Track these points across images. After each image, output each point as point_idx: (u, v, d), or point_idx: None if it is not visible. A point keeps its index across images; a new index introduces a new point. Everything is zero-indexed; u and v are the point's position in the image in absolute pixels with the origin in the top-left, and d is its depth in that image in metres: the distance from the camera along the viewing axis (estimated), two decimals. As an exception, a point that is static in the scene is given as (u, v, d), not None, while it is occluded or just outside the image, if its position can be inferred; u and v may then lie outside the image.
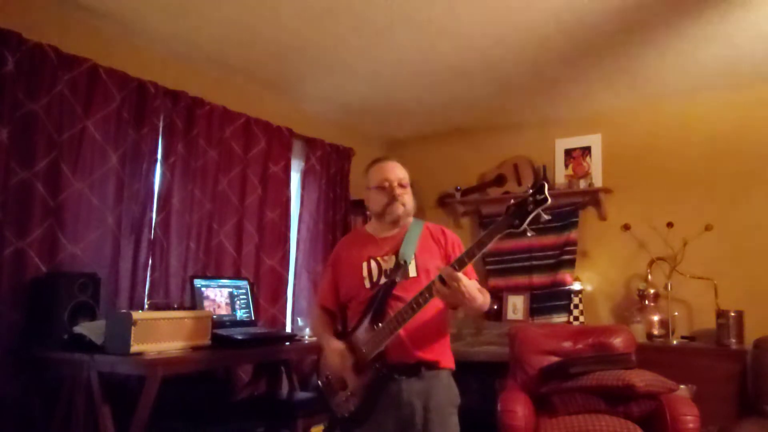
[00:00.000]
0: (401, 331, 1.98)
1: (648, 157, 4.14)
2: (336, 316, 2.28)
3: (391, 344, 2.00)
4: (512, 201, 1.84)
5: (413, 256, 2.12)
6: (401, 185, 2.17)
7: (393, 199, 2.14)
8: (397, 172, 2.18)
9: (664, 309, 3.82)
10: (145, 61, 3.21)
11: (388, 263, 2.12)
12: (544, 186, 1.80)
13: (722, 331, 3.53)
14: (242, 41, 3.25)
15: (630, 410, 2.90)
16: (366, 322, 2.06)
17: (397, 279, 2.07)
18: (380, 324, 2.01)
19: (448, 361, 2.14)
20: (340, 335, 2.19)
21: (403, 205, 2.16)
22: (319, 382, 2.22)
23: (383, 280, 2.10)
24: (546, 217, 1.83)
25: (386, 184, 2.16)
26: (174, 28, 3.09)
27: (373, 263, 2.14)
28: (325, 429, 3.16)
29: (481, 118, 4.57)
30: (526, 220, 1.82)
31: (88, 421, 2.40)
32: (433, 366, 2.07)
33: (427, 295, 1.92)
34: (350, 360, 2.05)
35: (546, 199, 1.79)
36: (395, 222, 2.18)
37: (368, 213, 2.32)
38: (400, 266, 2.09)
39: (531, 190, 1.81)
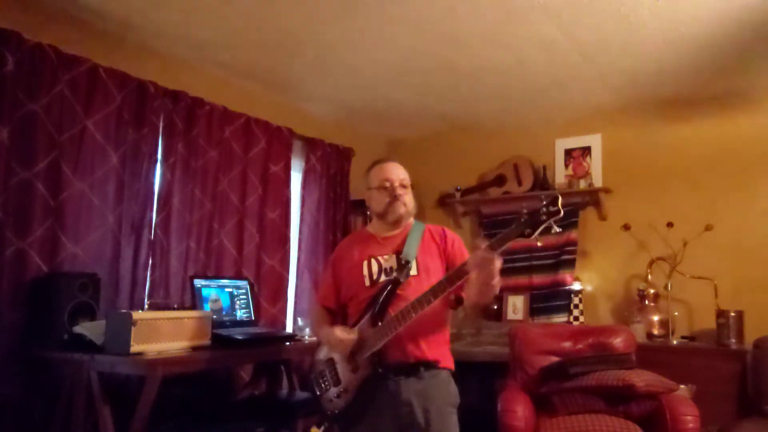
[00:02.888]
0: (401, 331, 1.98)
1: (648, 157, 4.14)
2: (336, 316, 2.29)
3: (390, 344, 2.00)
4: (524, 210, 1.84)
5: (415, 256, 2.13)
6: (402, 185, 2.19)
7: (395, 198, 2.16)
8: (398, 172, 2.21)
9: (664, 309, 3.82)
10: (145, 61, 3.21)
11: (389, 262, 2.14)
12: (557, 198, 1.81)
13: (722, 331, 3.53)
14: (242, 41, 3.25)
15: (630, 410, 2.90)
16: (366, 320, 2.06)
17: (402, 279, 2.08)
18: (380, 322, 2.02)
19: (448, 361, 2.15)
20: None
21: (405, 204, 2.18)
22: (311, 376, 2.23)
23: (383, 278, 2.12)
24: (557, 229, 1.84)
25: (387, 184, 2.18)
26: (174, 29, 3.09)
27: (373, 262, 2.16)
28: (326, 429, 3.17)
29: (481, 118, 4.57)
30: (537, 230, 1.83)
31: (88, 421, 2.40)
32: (432, 366, 2.07)
33: (436, 291, 1.93)
34: (354, 335, 2.04)
35: (559, 212, 1.80)
36: (397, 222, 2.20)
37: (368, 213, 2.34)
38: (403, 265, 2.10)
39: (545, 201, 1.82)
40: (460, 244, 2.23)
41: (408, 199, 2.20)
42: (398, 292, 2.07)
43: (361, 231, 2.42)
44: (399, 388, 2.02)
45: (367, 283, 2.14)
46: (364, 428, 2.05)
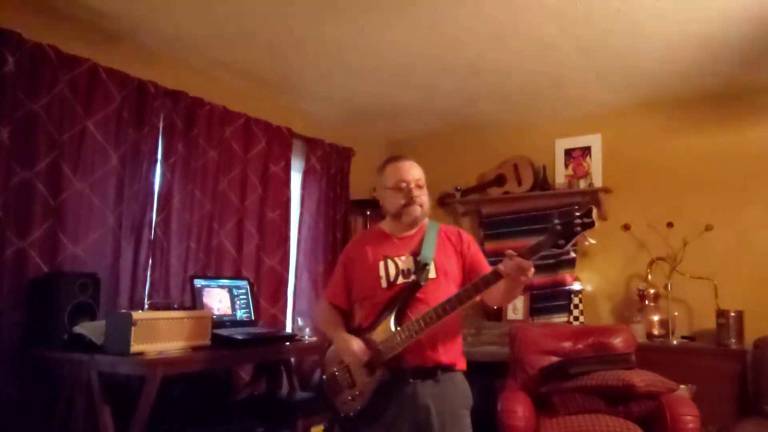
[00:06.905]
0: (422, 335, 1.96)
1: (648, 157, 4.14)
2: (345, 314, 2.25)
3: (408, 347, 1.98)
4: (556, 221, 1.84)
5: (433, 259, 2.09)
6: (418, 186, 2.14)
7: (411, 200, 2.11)
8: (413, 172, 2.15)
9: (664, 309, 3.82)
10: (145, 61, 3.21)
11: (406, 264, 2.10)
12: (592, 209, 1.82)
13: (722, 331, 3.53)
14: (242, 41, 3.25)
15: (630, 410, 2.90)
16: (384, 323, 2.03)
17: (422, 282, 2.04)
18: (399, 326, 1.99)
19: (462, 363, 2.13)
20: (350, 333, 2.15)
21: (421, 206, 2.13)
22: (324, 377, 2.17)
23: (401, 280, 2.08)
24: (591, 241, 1.84)
25: (403, 185, 2.12)
26: (174, 28, 3.09)
27: (390, 263, 2.11)
28: (326, 429, 3.17)
29: (481, 118, 4.57)
30: (571, 241, 1.82)
31: (88, 421, 2.40)
32: (449, 369, 2.06)
33: (462, 298, 1.93)
34: (369, 355, 2.01)
35: (593, 223, 1.81)
36: (413, 223, 2.16)
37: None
38: (421, 268, 2.06)
39: (578, 213, 1.82)
40: (476, 246, 2.21)
41: (424, 199, 2.15)
42: (418, 295, 2.04)
43: (374, 229, 2.33)
44: (416, 392, 2.00)
45: (384, 284, 2.09)
46: (380, 430, 2.02)
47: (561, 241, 1.82)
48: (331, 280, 2.34)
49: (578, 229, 1.81)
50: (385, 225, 2.25)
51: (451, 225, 2.30)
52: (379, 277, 2.10)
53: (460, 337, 2.16)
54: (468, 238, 2.22)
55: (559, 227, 1.82)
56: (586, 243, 1.84)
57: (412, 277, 2.07)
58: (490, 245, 4.51)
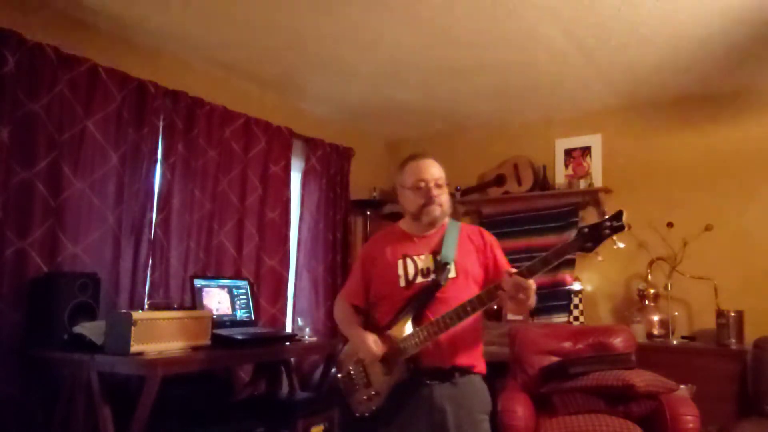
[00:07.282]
0: (440, 336, 1.94)
1: (648, 157, 4.14)
2: (363, 314, 2.22)
3: (427, 348, 1.95)
4: (584, 224, 1.82)
5: (454, 258, 2.06)
6: (438, 185, 2.10)
7: (430, 200, 2.08)
8: (433, 171, 2.11)
9: (664, 309, 3.82)
10: (145, 61, 3.21)
11: (425, 263, 2.07)
12: (621, 213, 1.79)
13: (722, 331, 3.53)
14: (242, 41, 3.25)
15: (630, 410, 2.90)
16: (402, 322, 2.00)
17: (442, 282, 2.01)
18: (418, 326, 1.96)
19: (481, 366, 2.09)
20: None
21: (440, 206, 2.10)
22: (339, 376, 2.13)
23: (420, 279, 2.05)
24: (621, 245, 1.81)
25: (422, 184, 2.09)
26: (174, 28, 3.09)
27: (408, 262, 2.08)
28: (326, 429, 3.16)
29: (481, 118, 4.57)
30: (599, 244, 1.81)
31: (88, 421, 2.41)
32: (467, 371, 2.02)
33: (475, 305, 1.90)
34: (384, 350, 1.99)
35: (623, 227, 1.78)
36: (432, 223, 2.12)
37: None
38: (441, 267, 2.03)
39: (608, 216, 1.80)
40: (499, 248, 2.17)
41: (444, 199, 2.11)
42: (438, 295, 2.00)
43: (393, 228, 2.26)
44: (432, 394, 1.96)
45: (402, 283, 2.06)
46: (396, 431, 1.99)
47: (589, 244, 1.80)
48: (349, 278, 2.30)
49: (607, 231, 1.78)
50: (404, 224, 2.21)
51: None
52: (397, 276, 2.07)
53: (480, 339, 2.12)
54: (491, 238, 2.18)
55: (587, 230, 1.80)
56: (615, 247, 1.82)
57: (432, 276, 2.03)
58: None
